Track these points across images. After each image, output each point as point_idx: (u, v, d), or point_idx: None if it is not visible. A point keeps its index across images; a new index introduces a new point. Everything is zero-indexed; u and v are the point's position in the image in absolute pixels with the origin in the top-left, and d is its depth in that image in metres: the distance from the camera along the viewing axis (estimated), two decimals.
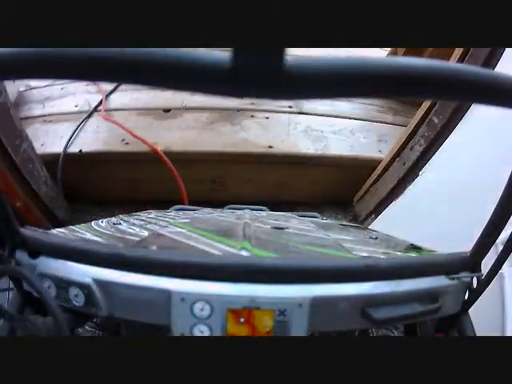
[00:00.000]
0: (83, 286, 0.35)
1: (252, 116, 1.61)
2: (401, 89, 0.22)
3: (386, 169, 1.45)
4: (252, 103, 1.63)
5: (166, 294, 0.34)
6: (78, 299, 0.36)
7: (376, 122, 1.70)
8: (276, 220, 0.62)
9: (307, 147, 1.51)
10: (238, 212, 0.72)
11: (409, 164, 1.32)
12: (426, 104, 1.24)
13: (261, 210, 0.87)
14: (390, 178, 1.42)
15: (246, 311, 0.33)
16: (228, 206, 0.96)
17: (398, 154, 1.39)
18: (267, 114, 1.62)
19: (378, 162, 1.51)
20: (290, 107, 1.66)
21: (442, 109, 1.16)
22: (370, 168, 1.54)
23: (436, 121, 1.19)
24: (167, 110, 1.60)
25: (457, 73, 0.21)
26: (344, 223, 0.78)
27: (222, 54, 0.20)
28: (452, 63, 0.22)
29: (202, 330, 0.34)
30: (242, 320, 0.33)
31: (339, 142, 1.56)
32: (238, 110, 1.63)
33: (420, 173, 1.25)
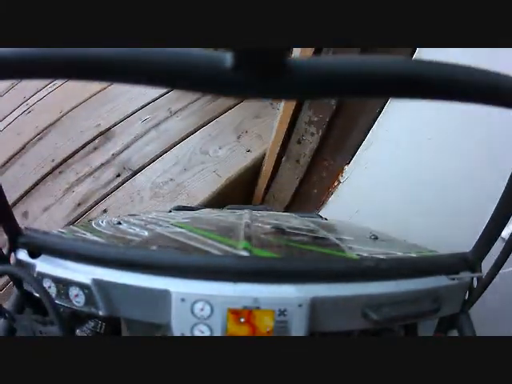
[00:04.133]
0: (83, 286, 0.35)
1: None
2: (403, 89, 0.22)
3: (273, 173, 1.22)
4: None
5: (167, 294, 0.34)
6: (78, 299, 0.36)
7: (215, 117, 1.50)
8: (276, 220, 0.62)
9: None
10: (239, 212, 0.72)
11: (305, 160, 1.07)
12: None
13: (261, 210, 0.87)
14: (286, 182, 1.19)
15: (246, 311, 0.33)
16: (228, 206, 0.96)
17: (280, 153, 1.15)
18: (104, 206, 1.39)
19: (255, 165, 1.33)
20: (119, 175, 1.45)
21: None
22: (250, 175, 1.36)
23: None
24: None
25: (462, 73, 0.21)
26: (345, 223, 0.78)
27: (222, 54, 0.20)
28: (457, 64, 0.22)
29: (202, 330, 0.34)
30: (243, 320, 0.33)
31: (199, 179, 1.36)
32: None
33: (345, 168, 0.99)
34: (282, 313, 0.33)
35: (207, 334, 0.34)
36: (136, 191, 1.40)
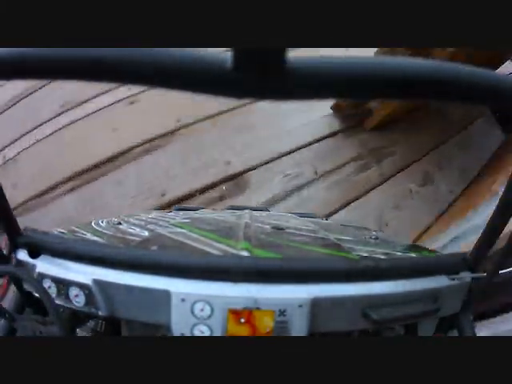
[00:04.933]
0: (83, 287, 0.35)
1: None
2: (403, 90, 0.21)
3: None
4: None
5: (167, 295, 0.34)
6: (78, 299, 0.36)
7: (360, 196, 1.34)
8: (276, 220, 0.62)
9: None
10: (239, 212, 0.72)
11: None
12: None
13: (261, 211, 0.87)
14: None
15: (246, 312, 0.33)
16: (228, 206, 0.96)
17: None
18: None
19: None
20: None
21: None
22: None
23: None
24: None
25: (461, 75, 0.21)
26: (344, 223, 0.78)
27: (222, 54, 0.20)
28: (456, 64, 0.22)
29: (202, 331, 0.34)
30: (243, 320, 0.33)
31: None
32: None
33: None
34: (282, 313, 0.33)
35: (207, 334, 0.34)
36: None
